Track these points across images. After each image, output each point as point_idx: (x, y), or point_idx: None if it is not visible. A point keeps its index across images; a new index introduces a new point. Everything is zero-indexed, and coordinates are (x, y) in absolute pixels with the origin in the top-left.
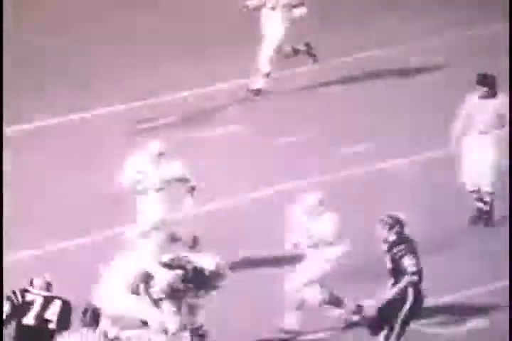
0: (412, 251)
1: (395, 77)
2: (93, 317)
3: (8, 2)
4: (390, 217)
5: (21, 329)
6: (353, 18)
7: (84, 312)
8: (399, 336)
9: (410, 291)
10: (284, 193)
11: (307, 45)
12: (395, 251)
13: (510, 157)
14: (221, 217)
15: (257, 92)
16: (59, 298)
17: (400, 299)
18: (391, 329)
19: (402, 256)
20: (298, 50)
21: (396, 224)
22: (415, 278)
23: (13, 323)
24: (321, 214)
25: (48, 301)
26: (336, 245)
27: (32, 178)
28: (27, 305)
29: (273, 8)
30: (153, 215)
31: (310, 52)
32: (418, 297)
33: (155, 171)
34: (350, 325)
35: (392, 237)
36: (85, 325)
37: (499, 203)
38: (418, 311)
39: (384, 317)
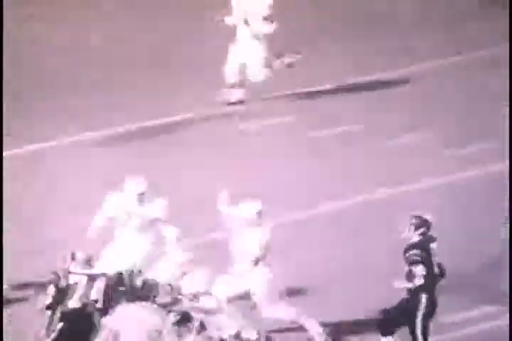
0: (427, 259)
1: None
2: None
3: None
4: (417, 217)
5: (67, 312)
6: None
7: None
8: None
9: (423, 296)
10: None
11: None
12: (409, 253)
13: (510, 159)
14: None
15: (241, 102)
16: (103, 275)
17: (411, 303)
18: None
19: (412, 262)
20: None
21: (422, 225)
22: (422, 281)
23: (59, 307)
24: None
25: (91, 280)
26: None
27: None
28: (71, 288)
29: (246, 23)
30: None
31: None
32: (432, 301)
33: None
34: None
35: (416, 238)
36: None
37: None
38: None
39: (393, 319)
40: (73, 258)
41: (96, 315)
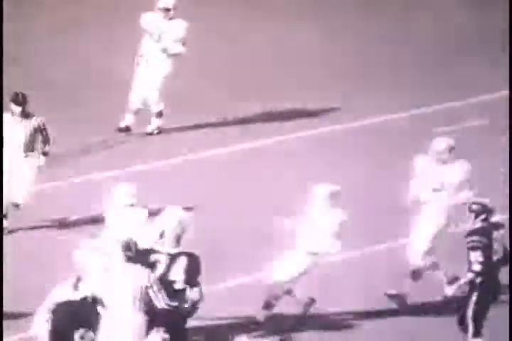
0: (486, 245)
1: None
2: None
3: None
4: (477, 204)
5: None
6: None
7: None
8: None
9: (474, 294)
10: None
11: None
12: (468, 240)
13: (510, 160)
14: None
15: (127, 129)
16: (186, 254)
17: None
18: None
19: (471, 248)
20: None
21: (483, 211)
22: (472, 276)
23: None
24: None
25: (173, 259)
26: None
27: None
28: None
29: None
30: None
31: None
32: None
33: None
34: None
35: (477, 225)
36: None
37: None
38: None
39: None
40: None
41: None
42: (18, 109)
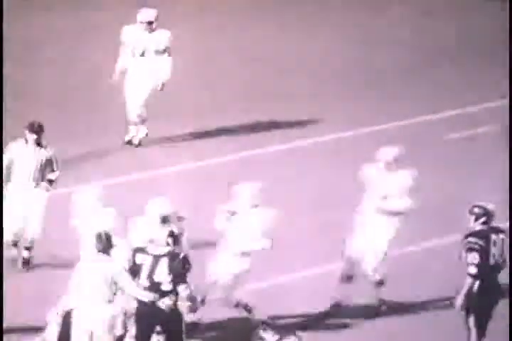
0: (483, 248)
1: None
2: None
3: None
4: (478, 206)
5: None
6: None
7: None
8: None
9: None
10: None
11: None
12: (465, 241)
13: (510, 161)
14: None
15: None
16: (169, 255)
17: None
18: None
19: (468, 250)
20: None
21: (483, 215)
22: (470, 280)
23: None
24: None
25: (157, 260)
26: None
27: None
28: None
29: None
30: None
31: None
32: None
33: None
34: None
35: (477, 227)
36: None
37: None
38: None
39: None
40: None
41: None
42: (32, 137)
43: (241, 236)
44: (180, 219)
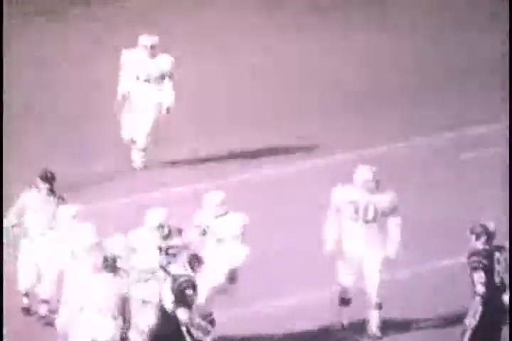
0: (487, 267)
1: None
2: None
3: None
4: (479, 225)
5: None
6: None
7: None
8: None
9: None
10: None
11: None
12: (469, 261)
13: (510, 162)
14: None
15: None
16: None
17: None
18: None
19: (473, 269)
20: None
21: (483, 234)
22: (479, 299)
23: None
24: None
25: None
26: None
27: None
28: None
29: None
30: None
31: None
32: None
33: None
34: None
35: (479, 246)
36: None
37: None
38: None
39: None
40: None
41: None
42: (45, 186)
43: (218, 248)
44: (180, 230)
